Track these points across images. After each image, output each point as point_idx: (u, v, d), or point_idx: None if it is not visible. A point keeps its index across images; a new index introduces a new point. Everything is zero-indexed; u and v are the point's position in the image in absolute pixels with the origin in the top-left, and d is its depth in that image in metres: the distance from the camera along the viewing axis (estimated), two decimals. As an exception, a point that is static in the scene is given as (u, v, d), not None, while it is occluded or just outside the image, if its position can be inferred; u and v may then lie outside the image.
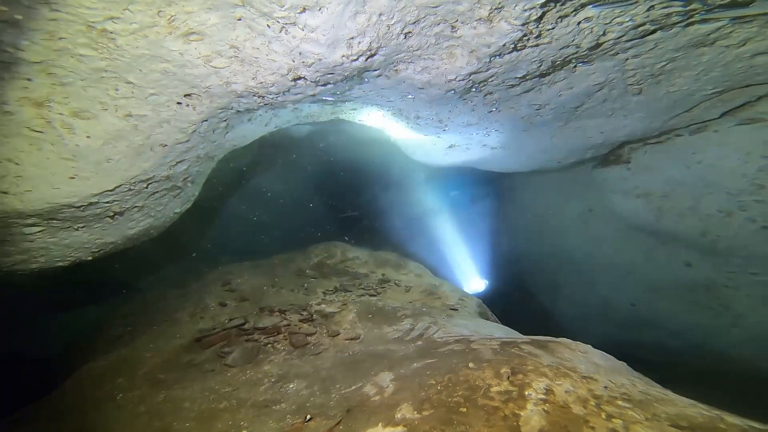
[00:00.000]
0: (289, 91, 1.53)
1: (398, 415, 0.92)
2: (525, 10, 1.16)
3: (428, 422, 0.85)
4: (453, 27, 1.32)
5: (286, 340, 1.85)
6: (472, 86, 1.67)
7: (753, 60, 1.53)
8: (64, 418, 1.32)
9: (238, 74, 1.37)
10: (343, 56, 1.35)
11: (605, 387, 0.83)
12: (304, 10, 1.16)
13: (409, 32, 1.35)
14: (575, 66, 1.56)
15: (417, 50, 1.45)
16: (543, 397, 0.79)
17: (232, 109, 1.56)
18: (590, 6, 1.14)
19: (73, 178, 1.31)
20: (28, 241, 1.47)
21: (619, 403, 0.76)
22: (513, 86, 1.71)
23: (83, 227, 1.58)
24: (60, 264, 1.72)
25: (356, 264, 3.54)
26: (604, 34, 1.30)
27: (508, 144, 2.60)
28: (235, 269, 3.06)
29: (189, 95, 1.39)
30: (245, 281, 2.79)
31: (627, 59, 1.50)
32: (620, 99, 1.87)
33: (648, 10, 1.18)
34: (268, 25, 1.21)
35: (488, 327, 1.91)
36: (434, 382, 1.02)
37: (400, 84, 1.69)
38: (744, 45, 1.47)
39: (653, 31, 1.32)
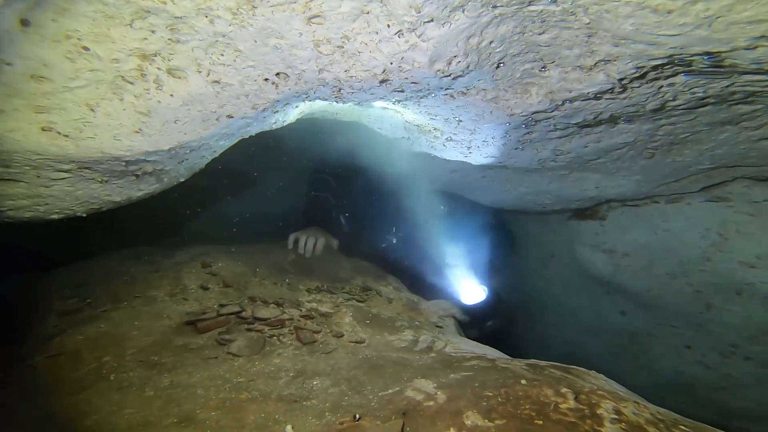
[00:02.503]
0: (368, 90, 1.57)
1: (468, 422, 0.98)
2: (634, 68, 1.31)
3: (506, 431, 0.92)
4: (545, 67, 1.45)
5: (292, 334, 1.80)
6: (524, 123, 1.81)
7: (756, 143, 1.81)
8: (49, 398, 1.16)
9: (335, 64, 1.39)
10: (438, 71, 1.42)
11: (658, 411, 0.96)
12: (432, 20, 1.22)
13: (503, 63, 1.46)
14: (617, 123, 1.75)
15: (497, 80, 1.56)
16: (615, 417, 0.90)
17: (306, 95, 1.55)
18: (683, 74, 1.32)
19: (138, 132, 1.22)
20: (45, 187, 1.31)
21: (682, 427, 0.89)
22: (555, 130, 1.88)
23: (105, 182, 1.45)
24: (53, 217, 1.55)
25: (335, 266, 3.52)
26: (673, 99, 1.49)
27: (508, 180, 2.79)
28: (212, 252, 2.89)
29: (280, 74, 1.37)
30: (225, 266, 2.65)
31: (663, 125, 1.73)
32: (631, 160, 2.13)
33: (727, 86, 1.37)
34: (388, 25, 1.25)
35: (482, 347, 2.02)
36: (490, 394, 1.09)
37: (461, 107, 1.79)
38: (759, 129, 1.72)
39: (706, 105, 1.53)
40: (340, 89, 1.63)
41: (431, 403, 1.11)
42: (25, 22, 0.93)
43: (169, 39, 1.14)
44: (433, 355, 1.67)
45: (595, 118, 1.74)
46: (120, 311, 1.75)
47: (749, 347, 2.58)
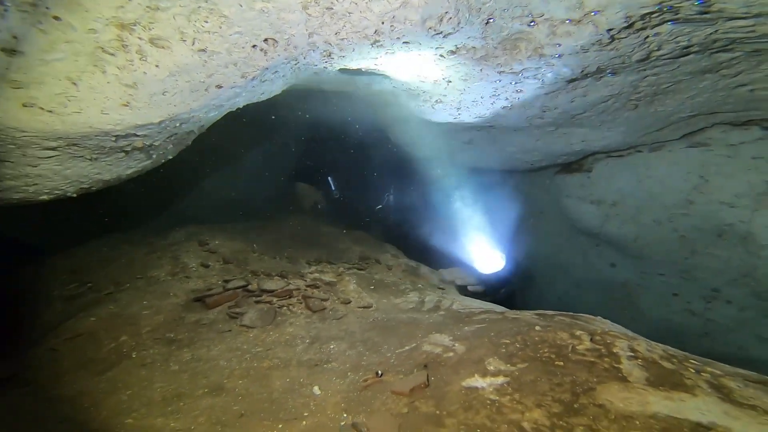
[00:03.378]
0: (359, 53, 1.49)
1: (491, 368, 1.00)
2: (624, 18, 1.27)
3: (529, 372, 0.94)
4: (533, 21, 1.40)
5: (301, 303, 1.81)
6: (513, 80, 1.77)
7: (734, 90, 1.84)
8: (78, 377, 1.15)
9: (325, 26, 1.32)
10: (430, 29, 1.37)
11: (668, 348, 0.99)
12: None
13: (492, 18, 1.39)
14: (603, 76, 1.73)
15: (486, 37, 1.50)
16: (631, 354, 0.93)
17: (296, 61, 1.47)
18: (670, 23, 1.29)
19: (126, 105, 1.14)
20: (32, 166, 1.24)
21: (692, 361, 0.92)
22: (543, 86, 1.84)
23: (95, 159, 1.38)
24: (42, 197, 1.46)
25: (331, 238, 3.49)
26: (658, 49, 1.48)
27: (496, 140, 2.76)
28: (206, 231, 2.83)
29: (268, 40, 1.29)
30: (223, 244, 2.61)
31: (647, 76, 1.71)
32: (615, 112, 2.12)
33: (710, 34, 1.35)
34: None
35: (486, 303, 2.06)
36: (507, 341, 1.11)
37: (451, 66, 1.73)
38: (736, 76, 1.73)
39: (689, 53, 1.52)
40: (330, 53, 1.56)
41: (451, 354, 1.13)
42: None
43: (147, 6, 1.06)
44: (442, 312, 1.70)
45: (581, 72, 1.71)
46: (125, 293, 1.71)
47: (730, 291, 2.69)
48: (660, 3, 1.27)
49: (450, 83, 1.99)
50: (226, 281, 1.95)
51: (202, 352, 1.30)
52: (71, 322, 1.43)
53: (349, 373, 1.21)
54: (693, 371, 0.88)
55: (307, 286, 2.01)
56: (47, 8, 0.91)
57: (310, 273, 2.33)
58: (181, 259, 2.18)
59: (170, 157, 1.93)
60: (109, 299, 1.62)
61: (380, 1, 1.29)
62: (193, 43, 1.20)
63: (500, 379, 0.94)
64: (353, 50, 1.53)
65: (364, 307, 1.89)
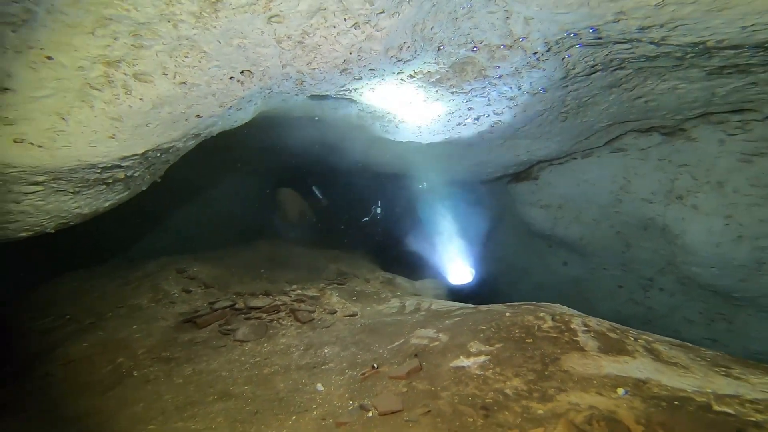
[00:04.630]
0: (329, 80, 1.58)
1: (473, 349, 1.08)
2: (543, 43, 1.47)
3: (506, 350, 1.04)
4: (476, 47, 1.56)
5: (290, 316, 1.82)
6: (464, 99, 1.93)
7: (634, 102, 2.11)
8: (81, 398, 1.10)
9: (297, 58, 1.40)
10: (392, 57, 1.50)
11: (613, 323, 1.13)
12: (383, 11, 1.27)
13: (443, 46, 1.54)
14: (536, 92, 1.93)
15: (439, 63, 1.65)
16: (585, 328, 1.06)
17: (270, 90, 1.54)
18: (578, 45, 1.50)
19: (113, 137, 1.15)
20: (15, 203, 1.21)
21: (631, 331, 1.06)
22: (490, 104, 2.02)
23: (77, 193, 1.35)
24: (22, 234, 1.40)
25: (308, 258, 3.48)
26: (573, 67, 1.69)
27: (451, 155, 2.93)
28: (180, 260, 2.75)
29: (245, 72, 1.35)
30: (201, 270, 2.56)
31: (570, 91, 1.94)
32: (550, 124, 2.36)
33: (607, 54, 1.58)
34: (345, 19, 1.29)
35: (459, 303, 2.16)
36: (484, 327, 1.21)
37: (411, 89, 1.86)
38: (633, 90, 2.01)
39: (596, 71, 1.75)
40: (302, 82, 1.64)
41: (437, 343, 1.21)
42: None
43: (132, 45, 1.10)
44: (422, 313, 1.78)
45: (519, 88, 1.91)
46: (110, 321, 1.65)
47: (660, 279, 2.97)
48: (567, 31, 1.51)
49: (410, 104, 2.13)
50: (212, 303, 1.92)
51: (203, 366, 1.29)
52: (61, 349, 1.36)
53: (347, 371, 1.25)
54: (632, 339, 1.03)
55: (293, 300, 2.02)
56: (42, 48, 0.92)
57: (293, 290, 2.34)
58: (161, 287, 2.12)
59: (144, 188, 1.90)
60: (94, 327, 1.56)
61: (348, 35, 1.41)
62: (175, 77, 1.25)
63: (482, 358, 1.03)
64: (324, 78, 1.63)
65: (350, 316, 1.93)
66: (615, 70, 1.83)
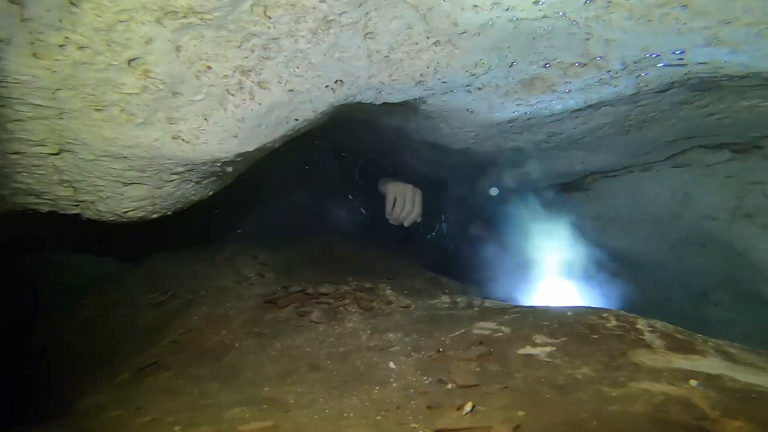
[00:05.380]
0: (404, 90, 1.72)
1: (538, 341, 1.17)
2: (621, 63, 1.56)
3: (571, 343, 1.11)
4: (548, 64, 1.64)
5: (354, 304, 1.96)
6: (527, 111, 2.01)
7: (705, 119, 2.07)
8: (204, 361, 1.32)
9: (382, 71, 1.55)
10: (466, 72, 1.60)
11: (678, 327, 1.17)
12: (465, 32, 1.39)
13: (516, 62, 1.64)
14: (602, 106, 1.96)
15: (508, 77, 1.75)
16: (651, 329, 1.11)
17: (353, 97, 1.69)
18: (659, 65, 1.54)
19: (235, 137, 1.35)
20: (158, 188, 1.46)
21: (698, 335, 1.10)
22: (551, 115, 2.08)
23: (198, 183, 1.59)
24: (153, 216, 1.66)
25: (354, 254, 3.62)
26: (647, 85, 1.71)
27: (511, 164, 2.98)
28: (251, 248, 2.99)
29: (338, 81, 1.51)
30: (269, 258, 2.77)
31: (638, 107, 1.95)
32: (611, 137, 2.36)
33: (686, 73, 1.60)
34: (427, 37, 1.42)
35: (514, 304, 2.20)
36: (546, 323, 1.29)
37: (476, 100, 1.96)
38: (705, 108, 1.98)
39: (670, 89, 1.76)
40: (381, 91, 1.79)
41: (500, 334, 1.30)
42: (178, 48, 1.04)
43: (261, 56, 1.28)
44: (476, 309, 1.86)
45: (585, 103, 1.94)
46: (205, 298, 1.87)
47: (716, 294, 2.86)
48: (649, 52, 1.53)
49: (472, 113, 2.23)
50: (286, 287, 2.11)
51: (289, 342, 1.46)
52: (178, 320, 1.60)
53: (412, 353, 1.36)
54: (701, 341, 1.07)
55: (354, 290, 2.17)
56: (207, 60, 1.13)
57: (350, 282, 2.49)
58: (240, 271, 2.34)
59: (231, 180, 2.12)
60: (195, 303, 1.79)
61: (428, 51, 1.54)
62: (286, 85, 1.43)
63: (548, 348, 1.11)
64: (400, 89, 1.77)
65: (404, 307, 2.05)
66: (692, 89, 1.82)
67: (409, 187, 2.28)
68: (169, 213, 1.67)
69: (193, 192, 1.62)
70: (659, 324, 1.16)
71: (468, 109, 2.20)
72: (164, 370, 1.29)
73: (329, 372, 1.24)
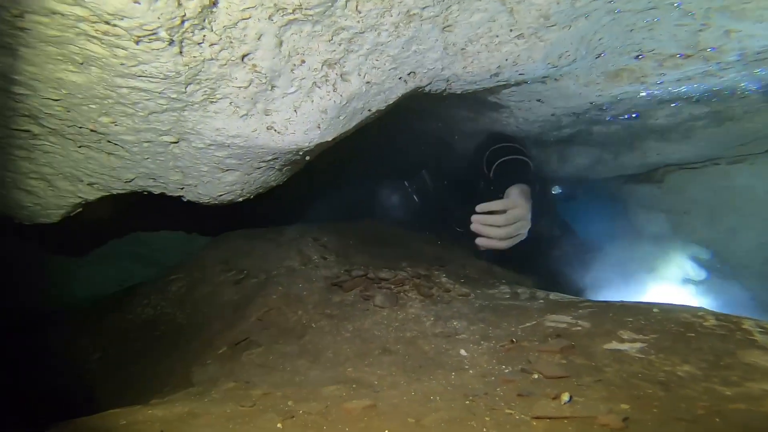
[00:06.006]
0: (477, 82, 1.69)
1: (625, 336, 1.12)
2: (738, 55, 1.40)
3: (664, 340, 1.06)
4: (641, 55, 1.53)
5: (413, 290, 1.99)
6: (609, 100, 1.88)
7: None
8: (290, 339, 1.42)
9: (455, 63, 1.53)
10: (548, 64, 1.54)
11: None
12: (554, 25, 1.33)
13: (604, 53, 1.55)
14: (698, 100, 1.80)
15: (592, 67, 1.65)
16: (761, 330, 1.02)
17: (421, 89, 1.69)
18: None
19: (318, 128, 1.41)
20: (248, 174, 1.58)
21: None
22: (635, 106, 1.94)
23: (280, 170, 1.68)
24: (239, 200, 1.79)
25: (404, 239, 3.63)
26: (759, 78, 1.54)
27: (578, 152, 2.83)
28: (312, 230, 3.08)
29: (411, 73, 1.52)
30: (329, 240, 2.84)
31: (739, 98, 1.77)
32: (702, 129, 2.17)
33: None
34: (510, 30, 1.38)
35: (583, 298, 2.11)
36: (630, 319, 1.23)
37: (552, 88, 1.88)
38: None
39: None
40: (452, 82, 1.76)
41: (578, 328, 1.26)
42: (280, 43, 1.11)
43: (345, 49, 1.31)
44: (540, 301, 1.81)
45: (677, 94, 1.79)
46: (279, 278, 1.98)
47: None
48: None
49: (542, 104, 2.14)
50: (348, 270, 2.18)
51: (358, 324, 1.52)
52: (259, 299, 1.72)
53: (481, 342, 1.36)
54: None
55: (411, 276, 2.19)
56: (302, 54, 1.19)
57: (406, 267, 2.51)
58: (305, 252, 2.45)
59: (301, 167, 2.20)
60: (270, 282, 1.91)
61: (509, 44, 1.49)
62: (364, 77, 1.46)
63: (638, 345, 1.06)
64: (473, 81, 1.73)
65: (463, 295, 2.03)
66: None
67: (528, 210, 1.75)
68: (251, 197, 1.79)
69: (274, 178, 1.72)
70: (768, 325, 1.07)
71: (538, 99, 2.12)
72: (256, 346, 1.40)
73: (400, 356, 1.28)
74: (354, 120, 1.64)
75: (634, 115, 2.08)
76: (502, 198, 1.76)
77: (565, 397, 0.82)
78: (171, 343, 1.80)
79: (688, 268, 2.84)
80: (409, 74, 1.61)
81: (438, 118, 2.87)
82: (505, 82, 1.74)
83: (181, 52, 1.01)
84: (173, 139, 1.30)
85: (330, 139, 1.54)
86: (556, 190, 3.18)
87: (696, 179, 2.74)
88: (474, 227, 1.77)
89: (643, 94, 1.81)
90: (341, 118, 1.50)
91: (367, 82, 1.49)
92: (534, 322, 1.44)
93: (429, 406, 0.94)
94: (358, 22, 1.18)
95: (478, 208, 1.76)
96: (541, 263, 2.61)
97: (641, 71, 1.62)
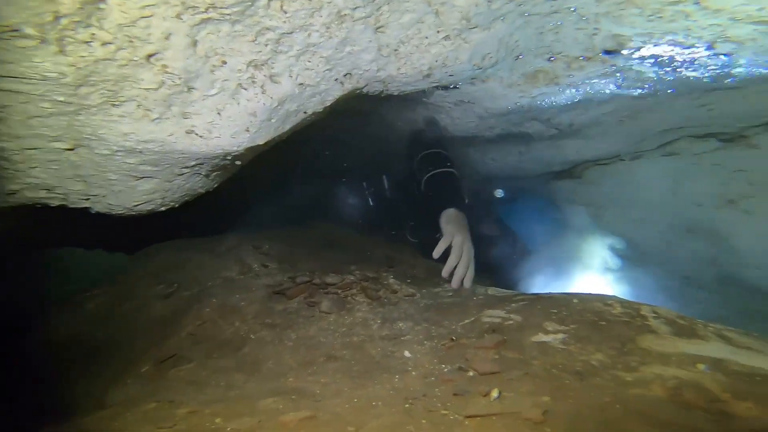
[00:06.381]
0: (411, 84, 1.71)
1: (550, 328, 1.21)
2: (628, 56, 1.54)
3: (582, 330, 1.16)
4: (553, 57, 1.65)
5: (361, 293, 1.98)
6: (529, 102, 2.01)
7: (695, 110, 2.12)
8: (225, 351, 1.32)
9: (390, 64, 1.54)
10: (474, 65, 1.59)
11: (679, 313, 1.22)
12: (476, 27, 1.38)
13: (522, 55, 1.64)
14: (602, 101, 1.99)
15: (513, 69, 1.74)
16: (655, 315, 1.16)
17: (359, 90, 1.67)
18: (656, 60, 1.55)
19: (247, 131, 1.33)
20: (169, 182, 1.44)
21: (698, 320, 1.16)
22: (553, 107, 2.09)
23: (207, 176, 1.57)
24: (162, 209, 1.65)
25: (355, 242, 3.63)
26: (647, 79, 1.73)
27: (508, 151, 3.00)
28: (254, 237, 2.95)
29: (347, 74, 1.49)
30: (272, 247, 2.74)
31: (637, 99, 1.98)
32: (607, 126, 2.40)
33: (695, 70, 1.62)
34: (438, 31, 1.41)
35: (517, 292, 2.25)
36: (555, 311, 1.33)
37: (480, 90, 1.96)
38: (696, 99, 2.01)
39: (671, 82, 1.78)
40: (388, 84, 1.77)
41: (511, 321, 1.33)
42: (194, 43, 1.01)
43: (273, 50, 1.25)
44: (481, 297, 1.90)
45: (584, 95, 1.96)
46: (214, 289, 1.86)
47: (699, 278, 2.96)
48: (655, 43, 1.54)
49: (473, 105, 2.23)
50: (292, 277, 2.11)
51: (302, 332, 1.47)
52: (192, 312, 1.58)
53: (425, 342, 1.39)
54: (702, 326, 1.12)
55: (359, 280, 2.18)
56: (222, 54, 1.10)
57: (355, 271, 2.49)
58: (245, 261, 2.32)
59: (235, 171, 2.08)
60: (205, 294, 1.77)
61: (437, 45, 1.53)
62: (296, 78, 1.41)
63: (561, 336, 1.15)
64: (407, 82, 1.76)
65: (409, 296, 2.07)
66: (690, 84, 1.84)
67: (467, 234, 1.95)
68: (176, 205, 1.65)
69: (201, 184, 1.60)
70: (662, 310, 1.21)
71: (470, 101, 2.20)
72: (186, 361, 1.29)
73: (347, 362, 1.26)
74: (288, 123, 1.57)
75: (554, 115, 2.25)
76: (440, 221, 2.04)
77: (495, 393, 0.85)
78: (88, 364, 1.61)
79: (606, 258, 3.17)
80: (345, 76, 1.58)
81: (382, 120, 2.88)
82: (437, 83, 1.78)
83: (62, 52, 0.88)
84: (68, 146, 1.14)
85: (262, 143, 1.47)
86: (498, 193, 3.34)
87: (608, 174, 3.04)
88: (444, 275, 2.00)
89: (558, 94, 1.96)
90: (273, 120, 1.43)
91: (300, 84, 1.44)
92: (473, 319, 1.50)
93: (371, 412, 0.93)
94: (285, 22, 1.12)
95: (434, 256, 2.00)
96: (483, 264, 2.74)
97: (554, 72, 1.75)
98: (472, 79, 1.88)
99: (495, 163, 3.24)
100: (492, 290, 2.04)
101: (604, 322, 1.17)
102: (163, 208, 1.58)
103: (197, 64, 1.08)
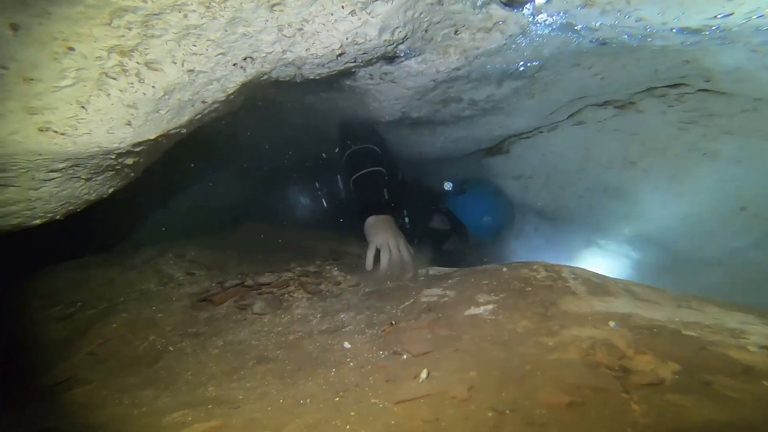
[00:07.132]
0: (326, 65, 1.59)
1: (480, 300, 1.20)
2: (519, 28, 1.56)
3: (510, 298, 1.17)
4: (458, 31, 1.63)
5: (299, 289, 1.87)
6: (446, 79, 2.00)
7: (592, 78, 2.25)
8: (132, 370, 1.14)
9: (296, 45, 1.41)
10: (385, 41, 1.53)
11: (595, 272, 1.28)
12: None
13: (428, 29, 1.59)
14: (511, 73, 2.03)
15: (425, 45, 1.70)
16: (573, 275, 1.21)
17: (268, 75, 1.53)
18: (550, 30, 1.59)
19: (128, 124, 1.14)
20: (34, 189, 1.18)
21: (610, 277, 1.22)
22: (469, 82, 2.10)
23: (89, 179, 1.33)
24: (35, 222, 1.37)
25: (298, 239, 3.47)
26: (543, 50, 1.78)
27: (431, 133, 3.01)
28: (177, 246, 2.69)
29: (247, 58, 1.34)
30: (198, 254, 2.52)
31: (540, 70, 2.05)
32: (521, 101, 2.47)
33: (578, 38, 1.68)
34: (342, 7, 1.32)
35: (456, 268, 2.26)
36: (486, 282, 1.34)
37: (398, 68, 1.90)
38: (590, 68, 2.12)
39: (563, 52, 1.86)
40: (300, 67, 1.64)
41: (446, 298, 1.32)
42: (14, 27, 0.81)
43: (143, 35, 1.10)
44: (422, 278, 1.89)
45: (495, 68, 1.99)
46: (126, 304, 1.65)
47: (618, 238, 3.20)
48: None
49: (394, 83, 2.17)
50: (221, 282, 1.94)
51: (231, 338, 1.34)
52: (93, 330, 1.37)
53: (366, 330, 1.34)
54: (613, 283, 1.19)
55: (298, 276, 2.06)
56: (65, 40, 0.89)
57: (294, 268, 2.36)
58: (165, 271, 2.09)
59: (138, 176, 1.84)
60: (113, 311, 1.55)
61: (345, 21, 1.44)
62: (183, 65, 1.24)
63: (490, 306, 1.15)
64: (321, 63, 1.65)
65: (354, 285, 2.00)
66: (581, 52, 1.93)
67: (392, 233, 2.05)
68: (58, 217, 1.39)
69: (86, 190, 1.36)
70: (579, 270, 1.27)
71: (392, 81, 2.14)
72: (83, 384, 1.09)
73: (280, 362, 1.16)
74: (185, 114, 1.39)
75: (471, 91, 2.27)
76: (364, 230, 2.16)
77: (423, 374, 0.82)
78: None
79: (539, 225, 3.34)
80: (245, 60, 1.43)
81: (310, 110, 2.72)
82: (353, 63, 1.68)
83: None
84: None
85: (153, 137, 1.28)
86: (448, 186, 3.34)
87: (531, 147, 3.19)
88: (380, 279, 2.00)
89: (472, 69, 1.96)
90: (162, 112, 1.25)
91: (190, 71, 1.26)
92: (412, 301, 1.47)
93: (295, 412, 0.85)
94: (145, 2, 0.95)
95: (367, 267, 2.10)
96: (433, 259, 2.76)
97: (461, 46, 1.74)
98: (390, 58, 1.81)
99: (427, 145, 3.25)
100: (433, 270, 2.05)
101: (530, 288, 1.19)
102: (37, 221, 1.33)
103: (27, 51, 0.87)
